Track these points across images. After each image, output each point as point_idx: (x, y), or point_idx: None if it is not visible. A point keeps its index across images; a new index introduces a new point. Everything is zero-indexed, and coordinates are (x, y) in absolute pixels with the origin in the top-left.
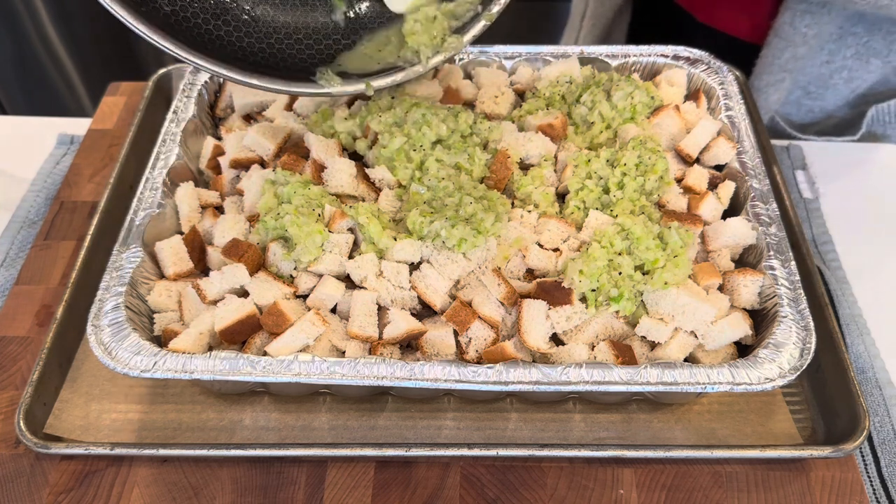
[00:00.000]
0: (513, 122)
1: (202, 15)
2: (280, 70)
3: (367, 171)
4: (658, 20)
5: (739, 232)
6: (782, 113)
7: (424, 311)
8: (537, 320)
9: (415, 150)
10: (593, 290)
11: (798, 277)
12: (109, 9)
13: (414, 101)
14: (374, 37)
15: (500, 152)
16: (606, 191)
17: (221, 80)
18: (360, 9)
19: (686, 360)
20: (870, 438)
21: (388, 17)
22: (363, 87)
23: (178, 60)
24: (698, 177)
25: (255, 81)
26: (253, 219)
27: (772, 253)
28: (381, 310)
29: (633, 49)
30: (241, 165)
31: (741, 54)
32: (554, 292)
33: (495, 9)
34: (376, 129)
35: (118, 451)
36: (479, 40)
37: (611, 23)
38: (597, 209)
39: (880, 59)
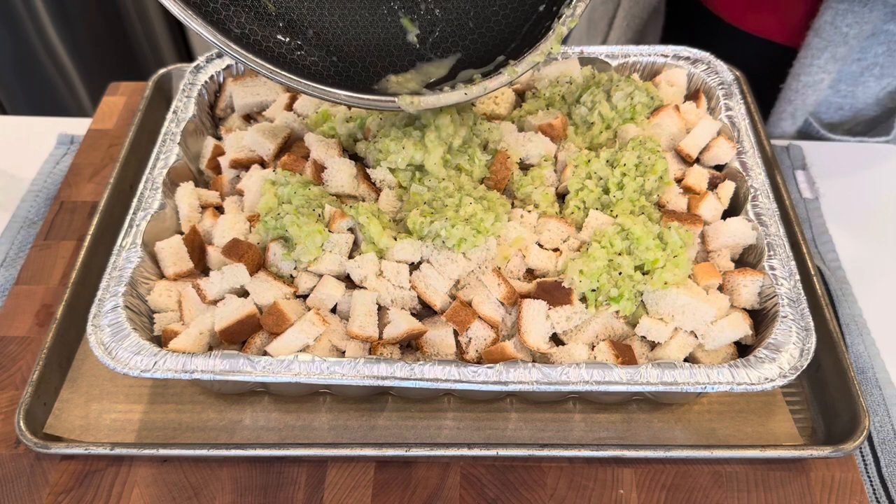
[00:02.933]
0: (513, 122)
1: (273, 38)
2: (349, 83)
3: (367, 171)
4: (690, 23)
5: (739, 232)
6: (814, 113)
7: (424, 311)
8: (537, 320)
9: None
10: (593, 290)
11: (798, 277)
12: (187, 22)
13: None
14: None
15: (500, 153)
16: (606, 191)
17: (222, 79)
18: (434, 33)
19: (686, 360)
20: (870, 438)
21: (461, 37)
22: (452, 99)
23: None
24: (698, 177)
25: (340, 95)
26: (253, 219)
27: (772, 253)
28: (381, 310)
29: (633, 49)
30: (241, 165)
31: (774, 57)
32: (554, 292)
33: (577, 11)
34: (375, 135)
35: (118, 451)
36: None
37: (645, 24)
38: (597, 209)
39: None
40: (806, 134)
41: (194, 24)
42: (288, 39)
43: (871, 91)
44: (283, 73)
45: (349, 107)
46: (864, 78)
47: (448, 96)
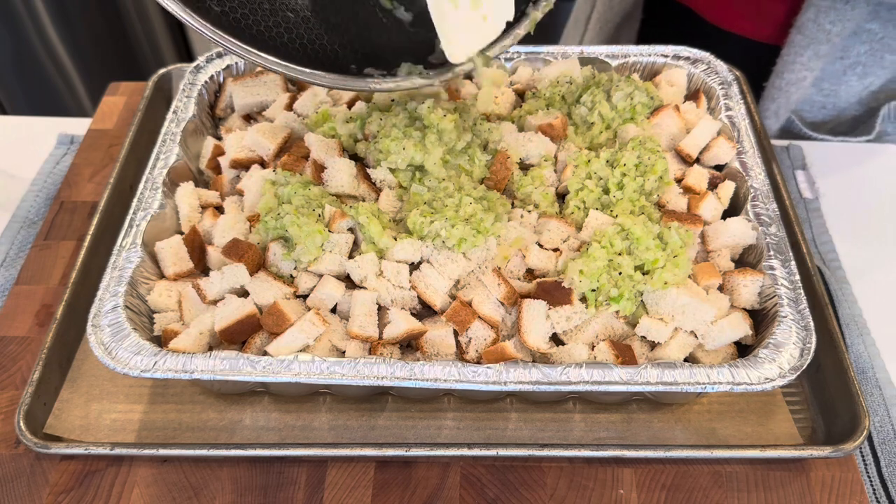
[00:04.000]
0: (513, 122)
1: (252, 16)
2: (338, 66)
3: (368, 171)
4: (668, 24)
5: (739, 232)
6: (797, 111)
7: (424, 311)
8: (537, 320)
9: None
10: (593, 290)
11: (798, 277)
12: (166, 6)
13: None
14: None
15: (500, 153)
16: (606, 191)
17: (222, 79)
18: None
19: (686, 360)
20: (870, 438)
21: None
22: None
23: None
24: (698, 177)
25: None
26: (253, 219)
27: (772, 253)
28: (381, 310)
29: (633, 49)
30: (241, 165)
31: (757, 56)
32: (554, 292)
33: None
34: (376, 135)
35: (118, 451)
36: None
37: (618, 27)
38: (597, 209)
39: (895, 55)
40: (789, 132)
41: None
42: (269, 18)
43: (854, 90)
44: (261, 54)
45: (328, 88)
46: (846, 77)
47: (416, 81)
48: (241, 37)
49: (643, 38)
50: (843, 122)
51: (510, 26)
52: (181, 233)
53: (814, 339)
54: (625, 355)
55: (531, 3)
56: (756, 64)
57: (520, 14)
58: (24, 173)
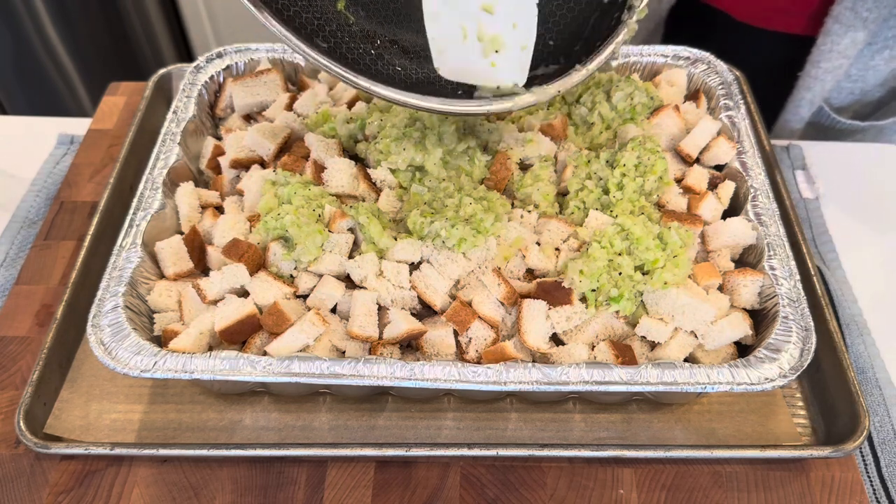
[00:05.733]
0: (513, 122)
1: (357, 49)
2: (436, 89)
3: (368, 171)
4: (695, 24)
5: (739, 232)
6: (826, 98)
7: (424, 311)
8: (537, 320)
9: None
10: (593, 290)
11: (798, 277)
12: (297, 50)
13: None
14: None
15: (500, 153)
16: (606, 191)
17: (222, 79)
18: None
19: (686, 360)
20: (870, 438)
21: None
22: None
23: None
24: (698, 177)
25: (435, 105)
26: (253, 219)
27: (772, 253)
28: (381, 310)
29: (633, 49)
30: (241, 165)
31: (788, 47)
32: (554, 292)
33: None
34: (376, 135)
35: (118, 451)
36: None
37: (650, 33)
38: (597, 209)
39: None
40: (816, 121)
41: (294, 40)
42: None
43: (881, 74)
44: (371, 81)
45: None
46: (874, 61)
47: (527, 99)
48: (354, 69)
49: (669, 39)
50: (866, 105)
51: (607, 37)
52: (181, 233)
53: (814, 339)
54: (625, 355)
55: (625, 9)
56: (787, 56)
57: (615, 22)
58: (24, 173)
